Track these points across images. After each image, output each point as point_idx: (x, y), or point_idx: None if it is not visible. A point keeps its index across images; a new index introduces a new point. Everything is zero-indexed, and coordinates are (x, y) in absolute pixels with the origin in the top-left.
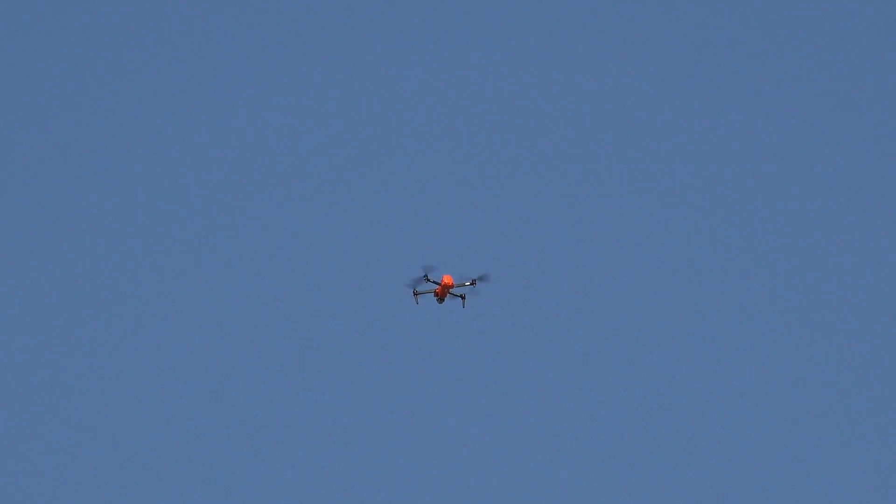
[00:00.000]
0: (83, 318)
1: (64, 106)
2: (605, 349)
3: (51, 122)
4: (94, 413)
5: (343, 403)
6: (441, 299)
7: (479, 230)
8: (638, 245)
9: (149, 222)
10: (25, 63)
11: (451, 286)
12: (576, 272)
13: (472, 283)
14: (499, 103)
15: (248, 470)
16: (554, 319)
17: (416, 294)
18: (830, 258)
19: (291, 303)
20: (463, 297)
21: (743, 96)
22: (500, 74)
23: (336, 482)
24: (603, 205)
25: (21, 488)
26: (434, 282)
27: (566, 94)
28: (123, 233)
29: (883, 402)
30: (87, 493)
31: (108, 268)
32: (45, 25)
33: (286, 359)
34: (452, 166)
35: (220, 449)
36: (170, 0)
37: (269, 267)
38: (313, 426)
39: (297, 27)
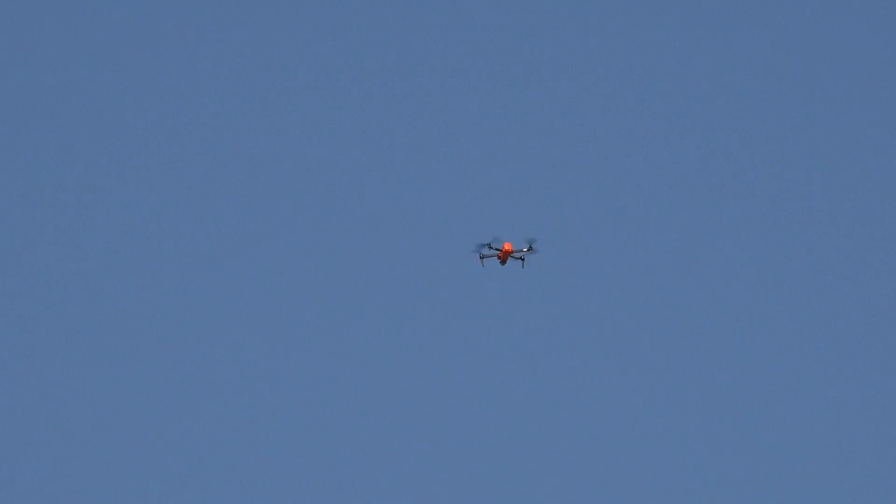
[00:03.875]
0: (79, 317)
1: (63, 105)
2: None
3: (49, 122)
4: (91, 413)
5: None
6: (503, 262)
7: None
8: (642, 246)
9: (143, 221)
10: (25, 63)
11: (512, 252)
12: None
13: (529, 250)
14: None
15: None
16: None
17: (481, 258)
18: (831, 258)
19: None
20: (522, 259)
21: (743, 96)
22: (501, 73)
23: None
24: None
25: (21, 488)
26: (496, 248)
27: (566, 93)
28: (122, 233)
29: (883, 402)
30: (85, 493)
31: (107, 267)
32: (44, 25)
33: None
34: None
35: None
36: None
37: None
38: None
39: (296, 27)
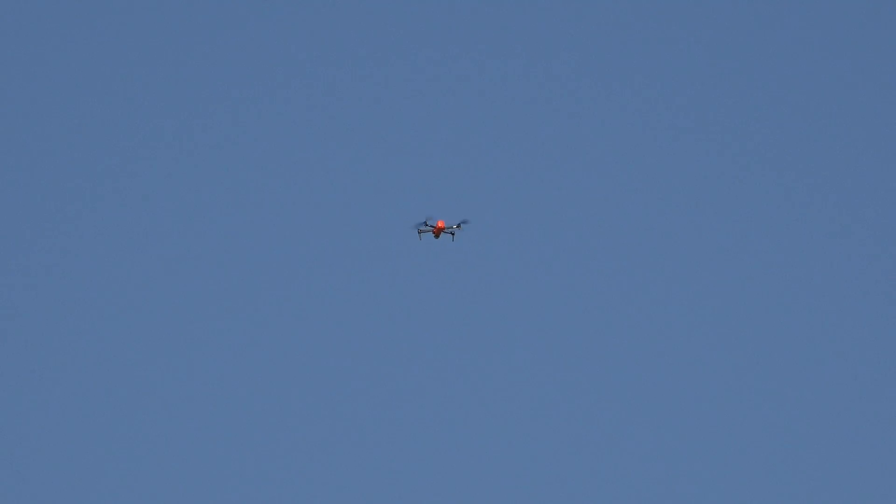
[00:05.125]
0: (77, 317)
1: (62, 105)
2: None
3: (49, 122)
4: (91, 413)
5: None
6: (437, 236)
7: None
8: (635, 242)
9: (141, 221)
10: (25, 63)
11: (444, 228)
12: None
13: (458, 227)
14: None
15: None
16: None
17: (419, 233)
18: (833, 257)
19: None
20: (453, 234)
21: (744, 96)
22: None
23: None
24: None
25: (21, 488)
26: (431, 225)
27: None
28: (122, 232)
29: (883, 402)
30: (85, 493)
31: (106, 268)
32: (44, 25)
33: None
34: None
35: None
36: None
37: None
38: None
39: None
